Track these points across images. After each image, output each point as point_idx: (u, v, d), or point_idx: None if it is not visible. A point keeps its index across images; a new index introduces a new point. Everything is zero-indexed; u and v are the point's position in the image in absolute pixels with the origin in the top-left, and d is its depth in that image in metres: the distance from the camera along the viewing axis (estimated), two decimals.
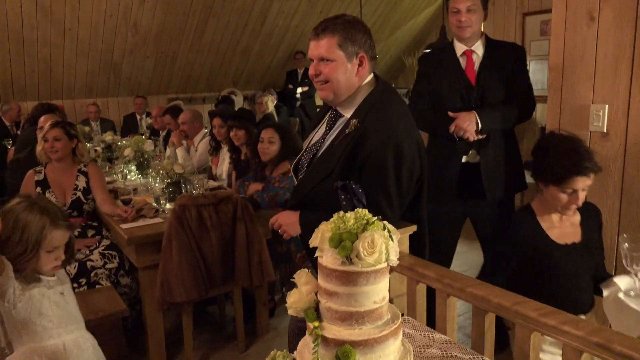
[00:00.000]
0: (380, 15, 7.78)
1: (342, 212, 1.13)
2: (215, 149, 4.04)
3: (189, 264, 2.51)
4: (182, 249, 2.49)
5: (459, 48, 2.51)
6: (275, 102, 6.71)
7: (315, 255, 1.12)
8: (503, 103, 2.43)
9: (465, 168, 2.49)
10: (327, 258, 1.08)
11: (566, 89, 2.35)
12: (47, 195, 2.96)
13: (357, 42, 1.61)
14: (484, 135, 2.43)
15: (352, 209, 1.15)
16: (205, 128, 4.60)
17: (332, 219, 1.12)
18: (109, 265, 2.86)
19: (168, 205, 2.98)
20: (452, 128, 2.41)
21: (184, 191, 3.10)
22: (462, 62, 2.50)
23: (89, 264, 2.81)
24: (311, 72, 1.66)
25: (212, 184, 3.60)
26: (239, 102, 7.15)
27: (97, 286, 2.78)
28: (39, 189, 2.98)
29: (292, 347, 1.60)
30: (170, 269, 2.48)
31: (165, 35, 6.48)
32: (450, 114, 2.45)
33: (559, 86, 2.38)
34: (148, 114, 6.60)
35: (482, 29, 2.54)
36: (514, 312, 1.31)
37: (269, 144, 3.17)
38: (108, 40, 6.23)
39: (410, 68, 7.99)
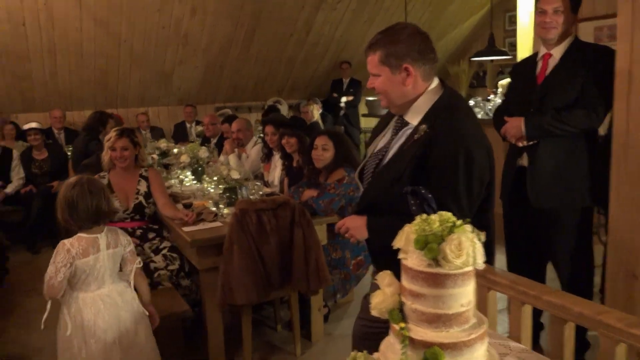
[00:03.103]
0: (424, 24, 7.74)
1: (424, 215, 1.15)
2: (267, 156, 4.11)
3: (249, 268, 2.56)
4: (243, 252, 2.54)
5: (541, 51, 2.48)
6: (321, 110, 6.77)
7: (399, 257, 1.14)
8: (562, 109, 2.35)
9: (520, 171, 2.52)
10: (413, 260, 1.10)
11: (634, 94, 2.28)
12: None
13: (399, 54, 1.62)
14: (531, 142, 2.42)
15: (422, 214, 1.16)
16: (255, 135, 4.68)
17: (415, 222, 1.13)
18: (170, 267, 2.95)
19: (226, 210, 3.06)
20: (502, 131, 2.51)
21: (239, 197, 3.17)
22: (539, 65, 2.47)
23: (152, 265, 2.90)
24: (369, 85, 1.74)
25: (266, 190, 3.67)
26: (283, 110, 7.24)
27: (159, 287, 2.87)
28: None
29: (358, 350, 1.61)
30: (232, 272, 2.54)
31: (214, 45, 6.65)
32: (505, 118, 2.50)
33: (626, 92, 2.31)
34: (197, 122, 6.79)
35: (574, 32, 2.47)
36: (597, 322, 1.28)
37: (323, 151, 3.21)
38: (160, 52, 6.45)
39: (455, 76, 7.89)
